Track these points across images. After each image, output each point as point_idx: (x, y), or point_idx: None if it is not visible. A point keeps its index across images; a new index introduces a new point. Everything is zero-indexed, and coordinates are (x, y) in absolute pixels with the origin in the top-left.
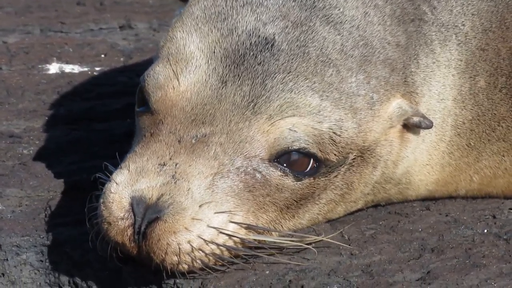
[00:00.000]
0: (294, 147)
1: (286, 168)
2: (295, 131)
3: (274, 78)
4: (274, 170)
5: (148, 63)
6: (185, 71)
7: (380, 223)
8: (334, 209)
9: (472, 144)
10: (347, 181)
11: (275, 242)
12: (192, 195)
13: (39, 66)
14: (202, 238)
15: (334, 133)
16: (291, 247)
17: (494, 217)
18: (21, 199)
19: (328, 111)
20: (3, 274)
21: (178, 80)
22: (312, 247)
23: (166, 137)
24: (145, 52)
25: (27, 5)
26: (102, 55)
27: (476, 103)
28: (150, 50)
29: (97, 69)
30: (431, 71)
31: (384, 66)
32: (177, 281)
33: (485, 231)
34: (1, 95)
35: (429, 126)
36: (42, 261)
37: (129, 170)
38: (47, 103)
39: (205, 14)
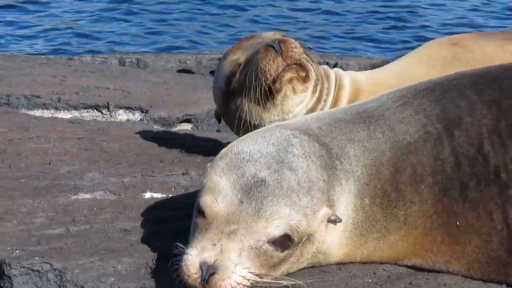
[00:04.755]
0: (280, 233)
1: (277, 246)
2: (279, 226)
3: (267, 199)
4: (270, 246)
5: (196, 192)
6: (220, 197)
7: (316, 276)
8: (292, 267)
9: (363, 233)
10: (301, 252)
11: (271, 283)
12: (230, 260)
13: (140, 193)
14: (236, 282)
15: (297, 227)
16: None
17: (374, 273)
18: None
19: (293, 217)
20: None
21: (217, 202)
22: None
23: (214, 230)
24: (195, 186)
25: (133, 162)
26: (173, 188)
27: (364, 211)
28: (197, 185)
29: (171, 195)
30: (340, 195)
31: (319, 192)
32: None
33: (369, 280)
34: (120, 209)
35: (340, 221)
36: None
37: (197, 248)
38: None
39: (227, 166)
